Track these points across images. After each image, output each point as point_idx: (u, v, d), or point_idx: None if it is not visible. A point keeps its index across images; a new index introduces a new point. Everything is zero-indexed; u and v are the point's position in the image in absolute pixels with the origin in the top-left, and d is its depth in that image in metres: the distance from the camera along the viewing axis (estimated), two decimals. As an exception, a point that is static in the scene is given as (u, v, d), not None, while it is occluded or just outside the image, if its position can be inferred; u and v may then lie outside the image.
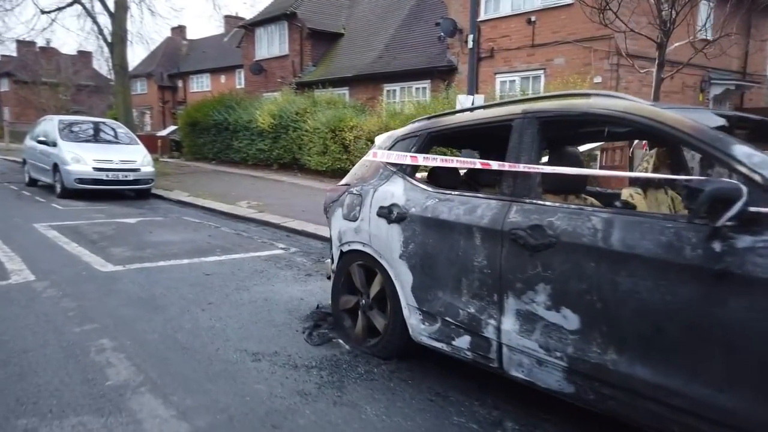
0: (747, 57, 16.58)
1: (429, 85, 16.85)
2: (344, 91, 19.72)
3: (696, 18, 14.47)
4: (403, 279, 3.51)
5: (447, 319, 3.24)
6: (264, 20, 23.58)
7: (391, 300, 3.65)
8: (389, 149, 3.97)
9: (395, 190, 3.67)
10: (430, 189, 3.50)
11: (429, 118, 3.90)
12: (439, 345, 3.34)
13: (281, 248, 7.48)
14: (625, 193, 3.65)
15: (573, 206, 2.72)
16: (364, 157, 4.24)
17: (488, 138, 3.89)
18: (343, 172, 15.95)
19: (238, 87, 32.59)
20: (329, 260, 4.63)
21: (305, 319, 4.56)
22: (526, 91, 14.13)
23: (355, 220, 3.91)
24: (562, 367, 2.66)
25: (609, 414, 2.57)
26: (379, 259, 3.70)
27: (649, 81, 13.54)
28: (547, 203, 2.83)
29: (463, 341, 3.17)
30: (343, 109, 15.99)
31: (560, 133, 3.66)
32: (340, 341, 4.05)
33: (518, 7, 14.37)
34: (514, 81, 14.62)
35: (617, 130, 3.52)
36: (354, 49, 21.12)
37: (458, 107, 7.40)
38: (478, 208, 3.10)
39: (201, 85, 39.04)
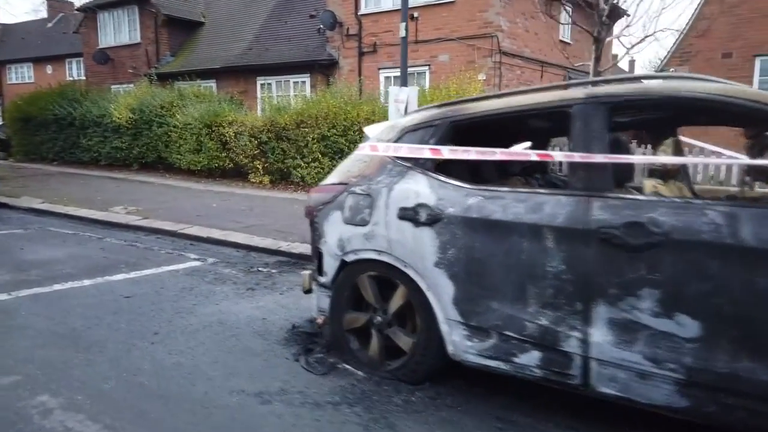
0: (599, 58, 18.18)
1: (309, 79, 16.20)
2: (211, 84, 18.32)
3: (556, 25, 15.52)
4: (440, 290, 3.05)
5: (507, 333, 2.85)
6: (109, 3, 21.13)
7: (422, 315, 3.17)
8: (395, 141, 3.46)
9: (419, 189, 3.18)
10: (467, 186, 3.07)
11: (442, 106, 3.46)
12: (493, 364, 2.93)
13: (195, 259, 6.53)
14: (649, 185, 3.52)
15: (677, 199, 2.47)
16: (358, 152, 3.68)
17: (522, 127, 3.55)
18: (222, 172, 14.81)
19: (69, 78, 29.06)
20: (306, 272, 4.02)
21: (285, 342, 3.89)
22: (413, 86, 14.10)
23: (364, 224, 3.36)
24: (675, 380, 2.41)
25: (731, 427, 2.36)
26: (403, 269, 3.20)
27: (525, 79, 14.26)
28: (640, 197, 2.56)
29: (531, 358, 2.80)
30: (219, 103, 14.77)
31: (627, 119, 3.42)
32: (347, 366, 3.47)
33: (400, 3, 14.25)
34: (398, 76, 14.51)
35: (701, 115, 3.34)
36: (218, 39, 19.72)
37: (391, 100, 7.03)
38: (545, 206, 2.74)
39: (22, 76, 34.32)
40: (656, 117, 3.34)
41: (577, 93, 2.84)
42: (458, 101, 3.43)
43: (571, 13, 15.86)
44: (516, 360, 2.85)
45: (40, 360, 3.48)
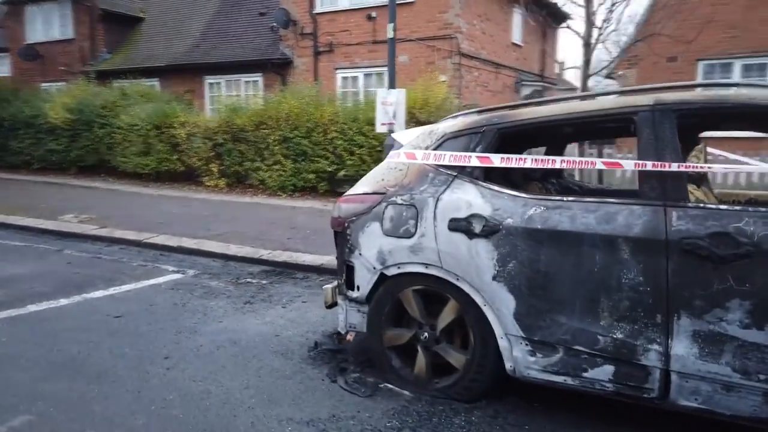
0: (544, 61, 18.67)
1: (261, 78, 15.72)
2: (154, 83, 17.46)
3: (511, 24, 15.81)
4: (498, 304, 2.93)
5: (576, 348, 2.76)
6: (37, -4, 19.76)
7: (477, 330, 3.04)
8: (435, 149, 3.31)
9: (470, 198, 3.04)
10: (524, 195, 2.96)
11: (485, 112, 3.33)
12: (558, 379, 2.83)
13: (174, 271, 6.13)
14: (699, 192, 3.53)
15: (762, 209, 2.44)
16: (391, 159, 3.50)
17: (572, 134, 3.47)
18: (172, 175, 14.11)
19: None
20: (329, 287, 3.82)
21: (313, 362, 3.66)
22: (370, 88, 13.95)
23: (409, 236, 3.18)
24: (765, 391, 2.38)
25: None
26: (455, 283, 3.05)
27: (482, 81, 14.41)
28: (722, 207, 2.52)
29: (603, 372, 2.72)
30: (168, 103, 14.07)
31: (696, 127, 3.38)
32: (390, 386, 3.29)
33: (357, 2, 14.09)
34: (356, 77, 14.34)
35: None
36: (161, 35, 18.84)
37: (378, 102, 6.85)
38: (618, 216, 2.67)
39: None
40: (717, 124, 3.35)
41: (644, 100, 2.78)
42: (502, 107, 3.33)
43: (525, 15, 16.19)
44: (585, 375, 2.77)
45: (49, 395, 3.10)
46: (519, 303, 2.88)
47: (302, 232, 8.01)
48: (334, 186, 11.72)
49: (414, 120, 10.59)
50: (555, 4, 17.23)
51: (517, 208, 2.91)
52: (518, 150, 4.08)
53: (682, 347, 2.53)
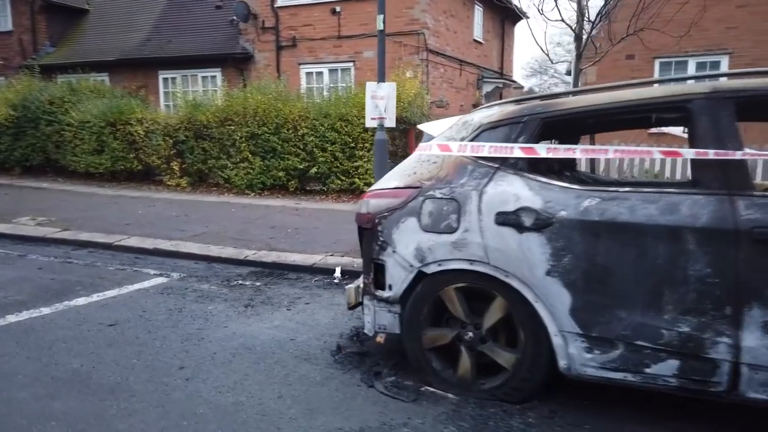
0: (503, 59, 18.87)
1: (220, 73, 15.20)
2: (103, 78, 16.64)
3: (472, 21, 15.89)
4: (552, 301, 2.82)
5: (638, 343, 2.68)
6: (-30, -16, 18.48)
7: (528, 328, 2.92)
8: (472, 140, 3.17)
9: (517, 191, 2.92)
10: (576, 186, 2.87)
11: (525, 101, 3.21)
12: (617, 376, 2.75)
13: (157, 275, 5.77)
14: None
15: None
16: (422, 152, 3.35)
17: (619, 123, 3.39)
18: (129, 174, 13.41)
19: None
20: (351, 286, 3.63)
21: (341, 366, 3.46)
22: (336, 84, 13.71)
23: (451, 231, 3.03)
24: None
25: None
26: (504, 279, 2.92)
27: (447, 77, 14.41)
28: (789, 195, 2.49)
29: (666, 367, 2.65)
30: (122, 98, 13.39)
31: (752, 115, 3.32)
32: (433, 389, 3.13)
33: (320, -4, 13.84)
34: (321, 73, 14.06)
35: None
36: (109, 28, 17.94)
37: (368, 94, 6.65)
38: (681, 206, 2.60)
39: None
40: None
41: (699, 87, 2.73)
42: (543, 96, 3.22)
43: (483, 12, 16.30)
44: (647, 371, 2.69)
45: (61, 415, 2.79)
46: (575, 298, 2.78)
47: (283, 231, 7.73)
48: (305, 184, 11.44)
49: (388, 116, 10.45)
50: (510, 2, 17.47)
51: (570, 200, 2.81)
52: (558, 141, 4.01)
53: (753, 338, 2.48)
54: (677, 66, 13.78)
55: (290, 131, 11.02)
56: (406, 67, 12.62)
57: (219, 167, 11.84)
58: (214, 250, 6.74)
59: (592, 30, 7.42)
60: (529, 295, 2.88)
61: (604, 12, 7.15)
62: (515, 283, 2.90)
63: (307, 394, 3.07)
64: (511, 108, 3.18)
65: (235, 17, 14.51)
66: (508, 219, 2.90)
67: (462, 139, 3.22)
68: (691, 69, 13.62)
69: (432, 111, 11.99)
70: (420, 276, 3.16)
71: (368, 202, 3.38)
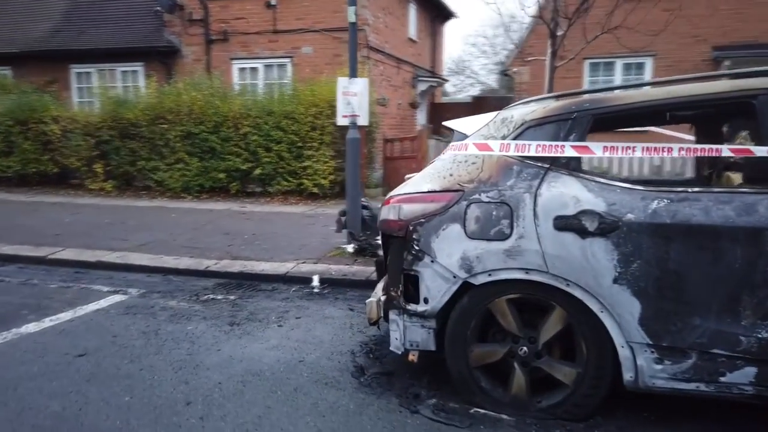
0: (435, 59, 18.94)
1: (143, 68, 14.10)
2: (5, 72, 15.02)
3: (407, 19, 15.81)
4: (620, 310, 2.63)
5: (713, 351, 2.55)
6: None
7: (591, 340, 2.72)
8: (514, 139, 2.94)
9: (576, 193, 2.71)
10: (640, 187, 2.70)
11: (570, 96, 3.00)
12: (689, 386, 2.61)
13: (112, 292, 5.14)
14: (737, 178, 3.51)
15: None
16: (458, 152, 3.06)
17: (671, 119, 3.24)
18: (43, 177, 12.12)
19: None
20: (372, 300, 3.31)
21: (372, 391, 3.12)
22: (272, 80, 13.12)
23: (503, 238, 2.78)
24: None
25: None
26: (564, 288, 2.71)
27: (387, 75, 14.21)
28: None
29: (743, 375, 2.53)
30: (32, 95, 12.12)
31: None
32: (484, 411, 2.86)
33: (252, -12, 13.16)
34: (256, 68, 13.37)
35: None
36: (11, 17, 16.20)
37: (339, 92, 6.25)
38: (758, 206, 2.49)
39: None
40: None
41: (765, 83, 2.63)
42: (589, 91, 3.02)
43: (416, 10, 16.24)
44: (722, 379, 2.56)
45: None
46: (645, 307, 2.60)
47: (239, 237, 7.19)
48: (246, 185, 10.83)
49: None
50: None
51: (636, 202, 2.64)
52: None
53: (838, 342, 2.41)
54: (605, 67, 14.34)
55: (231, 130, 10.39)
56: (345, 64, 12.24)
57: (150, 169, 10.99)
58: (169, 261, 6.12)
59: (568, 27, 7.41)
60: (593, 305, 2.68)
61: (582, 8, 7.16)
62: (578, 293, 2.69)
63: (349, 426, 2.70)
64: (557, 104, 2.97)
65: (159, 7, 13.52)
66: (569, 223, 2.68)
67: (503, 138, 2.97)
68: (619, 70, 14.23)
69: (375, 109, 11.71)
70: (464, 287, 2.88)
71: (400, 208, 3.05)
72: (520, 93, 14.98)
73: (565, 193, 2.73)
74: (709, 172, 3.84)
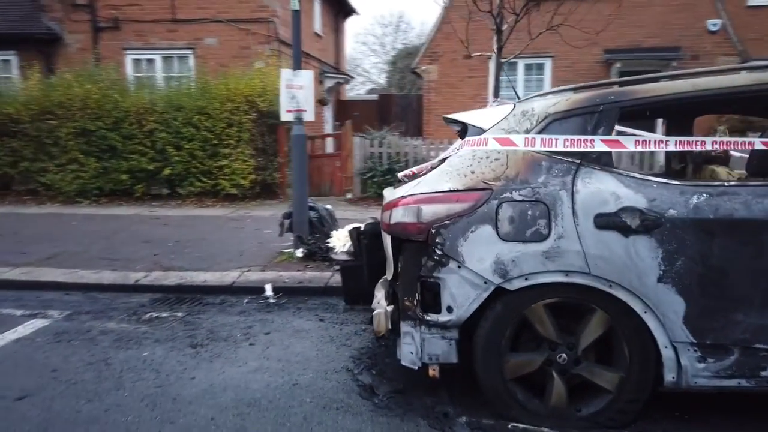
0: (338, 55, 18.62)
1: (16, 57, 12.47)
2: None
3: (313, 13, 15.40)
4: (665, 310, 2.54)
5: (756, 346, 2.53)
6: None
7: (634, 343, 2.61)
8: (539, 132, 2.77)
9: (615, 189, 2.59)
10: (677, 182, 2.63)
11: (582, 90, 2.88)
12: (731, 383, 2.57)
13: (29, 315, 4.39)
14: (723, 172, 3.59)
15: None
16: (476, 147, 2.83)
17: (696, 112, 3.16)
18: None
19: None
20: (380, 311, 3.01)
21: (390, 411, 2.80)
22: (173, 73, 12.14)
23: (541, 239, 2.59)
24: None
25: None
26: (607, 290, 2.57)
27: (295, 70, 13.67)
28: None
29: (785, 367, 2.54)
30: None
31: None
32: (522, 425, 2.66)
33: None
34: (153, 60, 12.31)
35: None
36: None
37: (282, 85, 5.77)
38: (795, 199, 2.50)
39: None
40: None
41: (786, 77, 2.65)
42: (615, 82, 2.91)
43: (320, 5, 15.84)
44: (763, 373, 2.55)
45: None
46: (690, 305, 2.53)
47: (163, 245, 6.48)
48: (152, 187, 9.91)
49: (254, 109, 9.50)
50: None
51: (675, 197, 2.55)
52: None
53: None
54: (509, 67, 14.79)
55: (134, 126, 9.44)
56: (258, 57, 11.61)
57: (36, 171, 9.71)
58: (89, 276, 5.35)
59: (516, 22, 7.40)
60: (636, 306, 2.56)
61: (531, 3, 7.17)
62: (621, 294, 2.56)
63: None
64: (578, 96, 2.82)
65: (36, -10, 12.05)
66: (611, 221, 2.55)
67: (526, 132, 2.79)
68: (521, 70, 14.76)
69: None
70: (496, 293, 2.66)
71: (419, 209, 2.76)
72: (429, 91, 15.13)
73: (603, 190, 2.59)
74: (692, 165, 3.91)
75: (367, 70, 39.97)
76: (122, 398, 2.94)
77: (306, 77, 5.54)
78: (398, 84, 33.19)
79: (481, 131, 2.92)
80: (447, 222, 2.69)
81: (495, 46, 7.16)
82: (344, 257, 5.50)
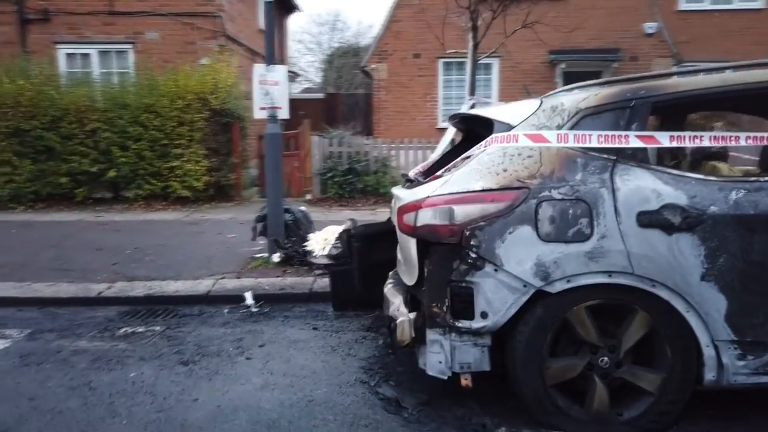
0: (282, 52, 18.15)
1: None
2: None
3: (257, 8, 14.96)
4: (707, 308, 2.50)
5: (796, 341, 2.53)
6: None
7: (675, 342, 2.55)
8: (571, 128, 2.67)
9: (655, 186, 2.53)
10: (714, 178, 2.60)
11: (623, 82, 2.79)
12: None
13: (-19, 336, 3.89)
14: (726, 168, 3.62)
15: None
16: (506, 144, 2.70)
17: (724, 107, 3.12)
18: None
19: None
20: (404, 319, 2.83)
21: (423, 426, 2.63)
22: (110, 69, 11.41)
23: (583, 239, 2.49)
24: None
25: None
26: (650, 290, 2.50)
27: (243, 67, 13.23)
28: None
29: (820, 361, 2.55)
30: None
31: None
32: (566, 434, 2.55)
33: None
34: (88, 55, 11.49)
35: None
36: None
37: (255, 81, 5.44)
38: (830, 193, 2.51)
39: None
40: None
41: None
42: (642, 77, 2.84)
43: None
44: (800, 367, 2.56)
45: None
46: (732, 302, 2.50)
47: (120, 252, 6.01)
48: (93, 191, 9.24)
49: (207, 107, 9.06)
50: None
51: (714, 193, 2.52)
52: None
53: None
54: (458, 66, 14.87)
55: (74, 126, 8.78)
56: (203, 53, 11.08)
57: (-38, 174, 8.84)
58: (44, 290, 4.86)
59: (493, 19, 7.32)
60: (679, 305, 2.50)
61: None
62: (663, 293, 2.50)
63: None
64: (608, 90, 2.74)
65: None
66: (654, 219, 2.48)
67: (558, 127, 2.68)
68: (469, 70, 14.80)
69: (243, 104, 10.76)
70: (535, 297, 2.54)
71: (452, 210, 2.60)
72: (378, 90, 14.97)
73: (644, 187, 2.52)
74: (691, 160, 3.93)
75: (304, 68, 39.44)
76: (121, 427, 2.62)
77: (281, 72, 5.25)
78: (335, 83, 32.87)
79: (509, 127, 2.79)
80: (482, 223, 2.55)
81: (470, 44, 7.04)
82: (324, 261, 5.28)
